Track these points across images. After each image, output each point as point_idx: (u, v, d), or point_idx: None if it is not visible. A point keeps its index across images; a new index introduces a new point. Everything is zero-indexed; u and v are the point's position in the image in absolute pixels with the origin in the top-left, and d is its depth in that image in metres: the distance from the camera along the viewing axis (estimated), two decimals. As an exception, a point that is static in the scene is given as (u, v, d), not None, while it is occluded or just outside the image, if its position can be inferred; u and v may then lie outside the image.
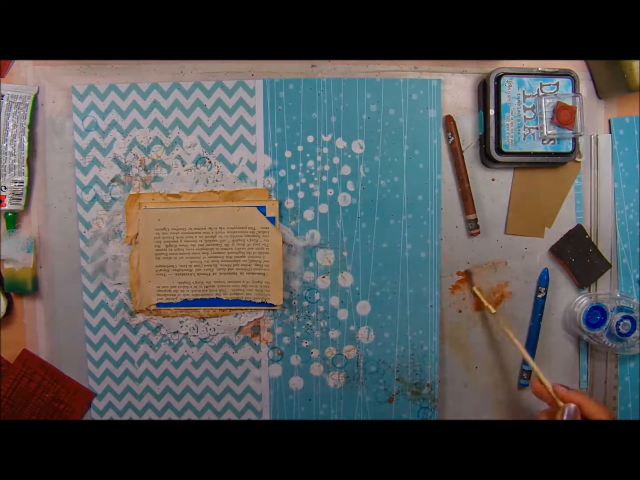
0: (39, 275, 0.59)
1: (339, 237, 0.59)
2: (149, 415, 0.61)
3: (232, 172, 0.58)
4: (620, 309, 0.58)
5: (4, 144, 0.56)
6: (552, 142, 0.57)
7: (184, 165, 0.58)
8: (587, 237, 0.60)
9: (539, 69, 0.57)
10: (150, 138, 0.58)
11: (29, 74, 0.58)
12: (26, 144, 0.57)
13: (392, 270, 0.59)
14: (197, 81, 0.58)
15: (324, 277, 0.59)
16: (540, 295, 0.60)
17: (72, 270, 0.59)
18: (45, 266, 0.59)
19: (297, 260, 0.59)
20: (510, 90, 0.56)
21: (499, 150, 0.57)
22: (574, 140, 0.57)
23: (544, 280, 0.60)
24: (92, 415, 0.61)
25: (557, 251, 0.60)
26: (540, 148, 0.57)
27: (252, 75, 0.58)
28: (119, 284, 0.59)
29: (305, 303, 0.60)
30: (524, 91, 0.57)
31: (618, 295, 0.60)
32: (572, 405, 0.46)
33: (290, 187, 0.59)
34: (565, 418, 0.46)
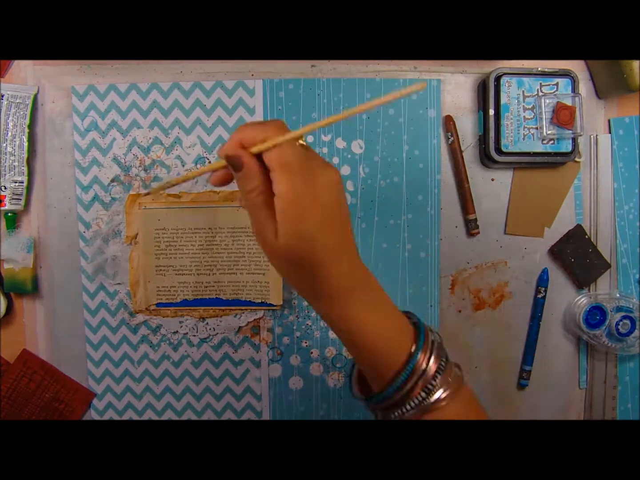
0: (39, 275, 0.59)
1: (338, 237, 0.59)
2: (149, 415, 0.61)
3: (232, 172, 0.58)
4: (619, 309, 0.58)
5: (4, 144, 0.56)
6: (551, 142, 0.57)
7: (183, 165, 0.58)
8: (586, 237, 0.60)
9: (539, 69, 0.57)
10: (150, 138, 0.58)
11: (29, 74, 0.58)
12: (26, 144, 0.57)
13: (391, 271, 0.59)
14: (197, 81, 0.58)
15: (323, 277, 0.59)
16: (540, 295, 0.60)
17: (72, 270, 0.59)
18: (45, 266, 0.59)
19: (297, 260, 0.59)
20: (510, 90, 0.56)
21: (498, 150, 0.57)
22: (574, 140, 0.57)
23: (543, 280, 0.60)
24: (92, 415, 0.61)
25: (557, 251, 0.60)
26: (539, 148, 0.57)
27: (252, 75, 0.58)
28: (119, 284, 0.59)
29: (305, 303, 0.60)
30: (523, 91, 0.57)
31: (617, 295, 0.60)
32: (229, 150, 0.35)
33: (290, 187, 0.58)
34: (228, 165, 0.36)
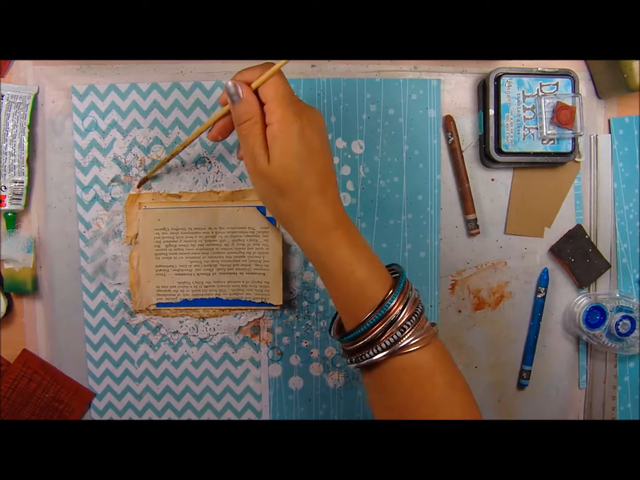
0: (39, 275, 0.59)
1: (338, 237, 0.59)
2: (149, 415, 0.61)
3: (232, 172, 0.58)
4: (619, 309, 0.58)
5: (4, 144, 0.56)
6: (551, 142, 0.57)
7: (184, 165, 0.58)
8: (586, 237, 0.60)
9: (539, 69, 0.57)
10: (150, 138, 0.58)
11: (28, 74, 0.58)
12: (26, 144, 0.57)
13: (392, 270, 0.59)
14: (197, 81, 0.58)
15: (323, 277, 0.59)
16: (540, 295, 0.60)
17: (72, 270, 0.59)
18: (45, 266, 0.59)
19: (297, 260, 0.59)
20: (510, 90, 0.56)
21: (498, 150, 0.57)
22: (574, 140, 0.57)
23: (543, 280, 0.60)
24: (92, 415, 0.61)
25: (557, 251, 0.60)
26: (539, 148, 0.57)
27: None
28: (119, 284, 0.59)
29: (305, 303, 0.60)
30: (523, 91, 0.57)
31: (617, 295, 0.60)
32: (230, 82, 0.40)
33: (290, 187, 0.59)
34: (228, 99, 0.40)
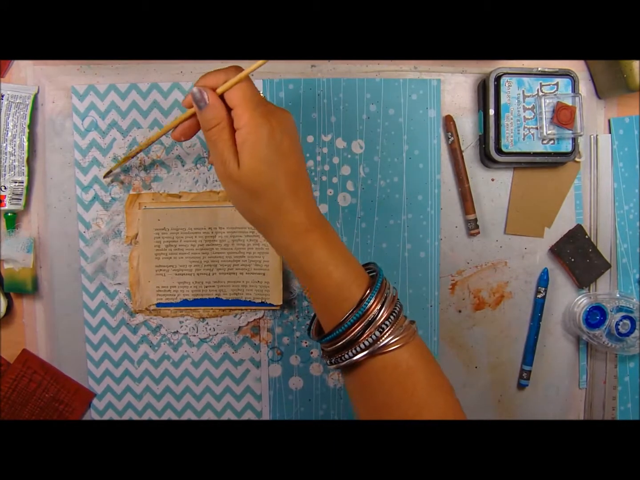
0: (39, 275, 0.59)
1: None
2: (149, 415, 0.61)
3: (232, 172, 0.58)
4: (619, 309, 0.58)
5: (4, 144, 0.56)
6: (551, 142, 0.57)
7: (183, 165, 0.58)
8: (586, 237, 0.60)
9: (539, 69, 0.57)
10: (150, 138, 0.58)
11: (28, 74, 0.58)
12: (26, 144, 0.57)
13: (391, 271, 0.59)
14: (197, 81, 0.58)
15: (323, 277, 0.59)
16: (540, 295, 0.60)
17: (72, 270, 0.59)
18: (45, 266, 0.59)
19: (297, 260, 0.59)
20: (510, 90, 0.56)
21: (498, 150, 0.57)
22: (574, 140, 0.57)
23: (543, 280, 0.60)
24: (92, 415, 0.61)
25: (557, 251, 0.60)
26: (540, 148, 0.57)
27: (252, 75, 0.58)
28: (119, 284, 0.59)
29: (305, 303, 0.60)
30: (523, 91, 0.57)
31: (618, 295, 0.60)
32: (195, 89, 0.40)
33: (290, 187, 0.58)
34: (194, 105, 0.40)
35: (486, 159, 0.58)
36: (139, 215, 0.58)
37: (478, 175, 0.60)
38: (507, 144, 0.57)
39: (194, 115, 0.43)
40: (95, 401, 0.60)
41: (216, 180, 0.58)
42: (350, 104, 0.58)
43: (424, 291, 0.60)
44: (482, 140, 0.58)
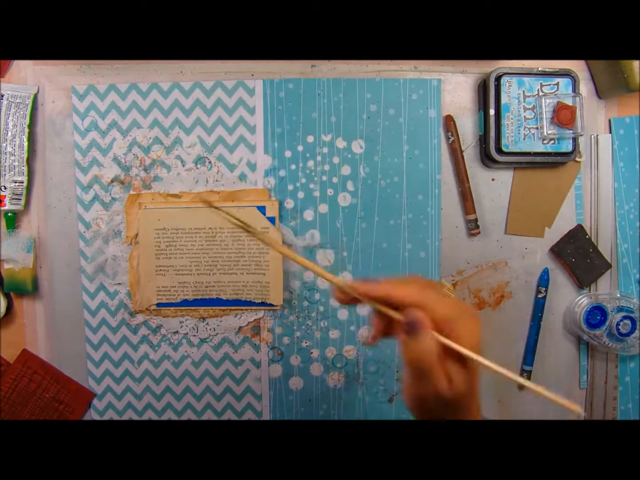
0: (39, 275, 0.59)
1: (339, 237, 0.59)
2: (149, 415, 0.61)
3: (232, 172, 0.58)
4: (620, 309, 0.58)
5: (4, 144, 0.56)
6: (552, 142, 0.57)
7: (184, 165, 0.58)
8: (587, 237, 0.60)
9: (539, 69, 0.57)
10: (150, 138, 0.58)
11: (28, 74, 0.58)
12: (26, 144, 0.57)
13: (392, 270, 0.59)
14: (197, 81, 0.58)
15: (324, 277, 0.59)
16: (540, 295, 0.60)
17: (72, 270, 0.59)
18: (45, 266, 0.59)
19: (297, 260, 0.59)
20: (510, 90, 0.56)
21: (499, 150, 0.57)
22: (574, 140, 0.57)
23: (544, 280, 0.60)
24: (92, 415, 0.61)
25: (558, 251, 0.60)
26: (540, 148, 0.57)
27: (252, 75, 0.58)
28: (119, 284, 0.59)
29: (305, 303, 0.60)
30: (524, 91, 0.57)
31: (618, 295, 0.60)
32: (412, 314, 0.33)
33: (290, 187, 0.59)
34: (408, 331, 0.33)
35: (486, 159, 0.58)
36: (139, 215, 0.58)
37: (478, 175, 0.60)
38: (508, 144, 0.57)
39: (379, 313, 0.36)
40: (95, 401, 0.60)
41: (216, 180, 0.58)
42: (350, 104, 0.58)
43: (424, 291, 0.59)
44: (483, 140, 0.58)
